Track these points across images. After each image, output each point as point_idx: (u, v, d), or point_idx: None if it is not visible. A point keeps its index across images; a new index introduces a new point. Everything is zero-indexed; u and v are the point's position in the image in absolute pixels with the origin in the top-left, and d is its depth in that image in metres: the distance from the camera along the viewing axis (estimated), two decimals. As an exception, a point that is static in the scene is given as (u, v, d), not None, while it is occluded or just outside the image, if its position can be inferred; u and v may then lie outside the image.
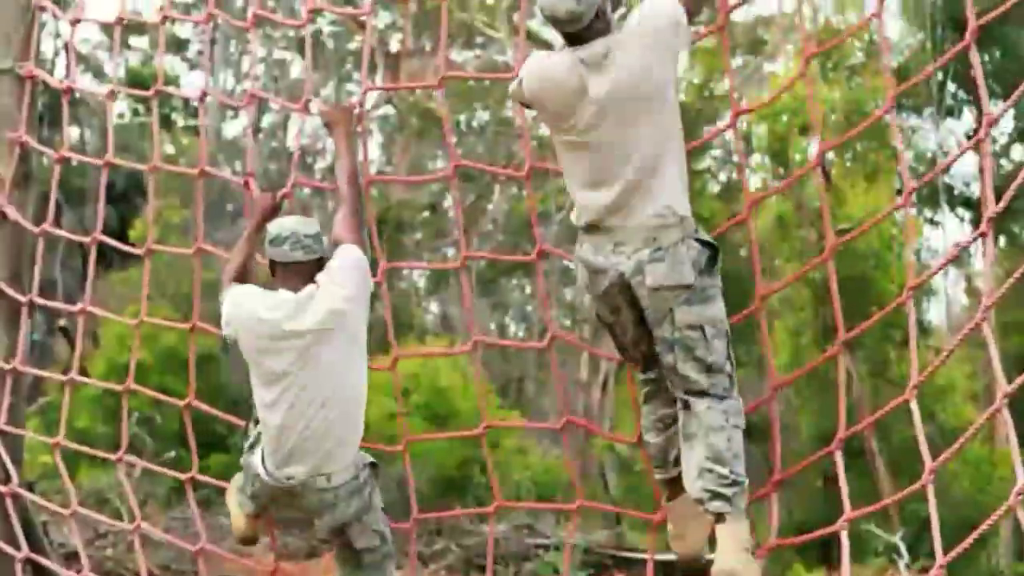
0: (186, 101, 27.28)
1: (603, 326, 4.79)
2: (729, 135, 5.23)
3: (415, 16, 25.12)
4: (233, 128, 29.04)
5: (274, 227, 4.90)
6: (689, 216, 4.52)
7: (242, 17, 6.54)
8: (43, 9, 6.82)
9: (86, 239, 6.77)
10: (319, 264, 4.84)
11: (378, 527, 5.04)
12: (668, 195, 4.47)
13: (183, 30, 29.36)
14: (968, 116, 24.70)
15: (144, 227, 24.40)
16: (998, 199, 4.01)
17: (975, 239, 4.15)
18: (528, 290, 29.12)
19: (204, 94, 6.64)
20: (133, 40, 27.82)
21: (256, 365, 4.84)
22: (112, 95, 7.07)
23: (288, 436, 4.79)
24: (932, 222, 25.14)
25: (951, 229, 25.45)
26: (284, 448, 4.81)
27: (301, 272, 4.82)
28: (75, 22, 7.15)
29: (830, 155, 24.00)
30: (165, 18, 7.01)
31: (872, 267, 19.50)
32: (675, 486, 4.73)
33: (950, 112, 24.42)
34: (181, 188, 18.83)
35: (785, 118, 21.54)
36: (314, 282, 4.79)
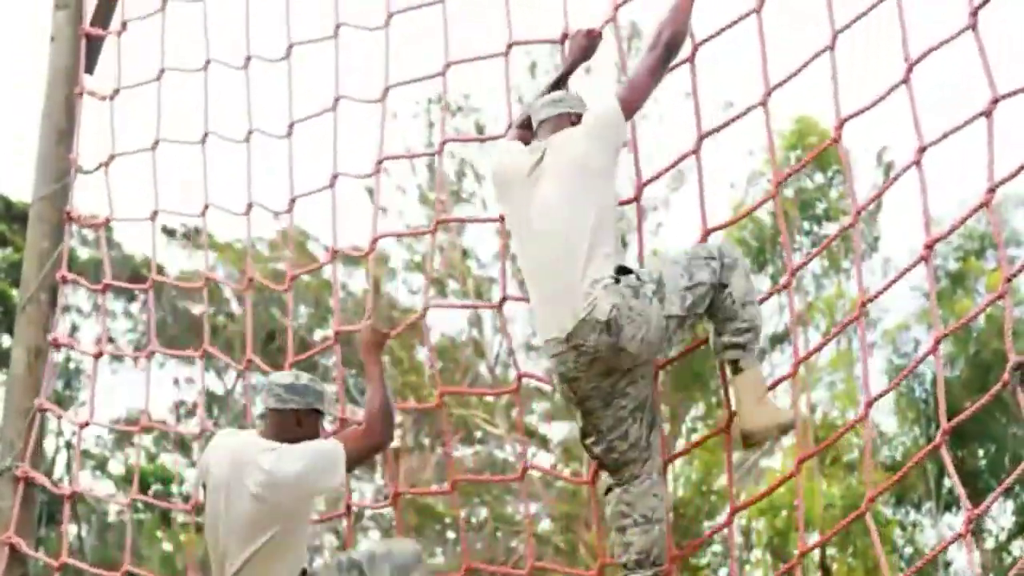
0: (186, 497, 27.24)
1: (590, 439, 4.86)
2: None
3: (413, 412, 25.42)
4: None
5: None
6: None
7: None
8: (44, 411, 6.92)
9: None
10: (296, 417, 4.87)
11: None
12: (599, 271, 4.66)
13: (187, 427, 29.60)
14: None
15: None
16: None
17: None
18: None
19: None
20: (137, 437, 27.99)
21: (213, 498, 4.91)
22: (130, 504, 7.19)
23: (230, 557, 4.81)
24: (939, 618, 24.70)
25: (957, 623, 24.99)
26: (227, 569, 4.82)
27: (272, 422, 4.90)
28: (83, 425, 7.27)
29: (831, 550, 23.92)
30: (204, 431, 7.18)
31: (881, 667, 19.03)
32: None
33: (948, 507, 24.41)
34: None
35: (784, 513, 21.53)
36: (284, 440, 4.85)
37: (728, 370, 4.86)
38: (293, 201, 6.76)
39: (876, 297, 4.98)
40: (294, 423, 4.87)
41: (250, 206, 6.91)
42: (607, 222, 4.73)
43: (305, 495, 4.81)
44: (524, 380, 6.06)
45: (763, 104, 5.26)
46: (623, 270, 4.68)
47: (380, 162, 6.50)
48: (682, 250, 4.92)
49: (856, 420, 4.88)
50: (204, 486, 4.99)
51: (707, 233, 5.36)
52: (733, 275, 4.78)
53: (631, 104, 4.88)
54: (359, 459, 4.91)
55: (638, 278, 4.65)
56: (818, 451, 5.31)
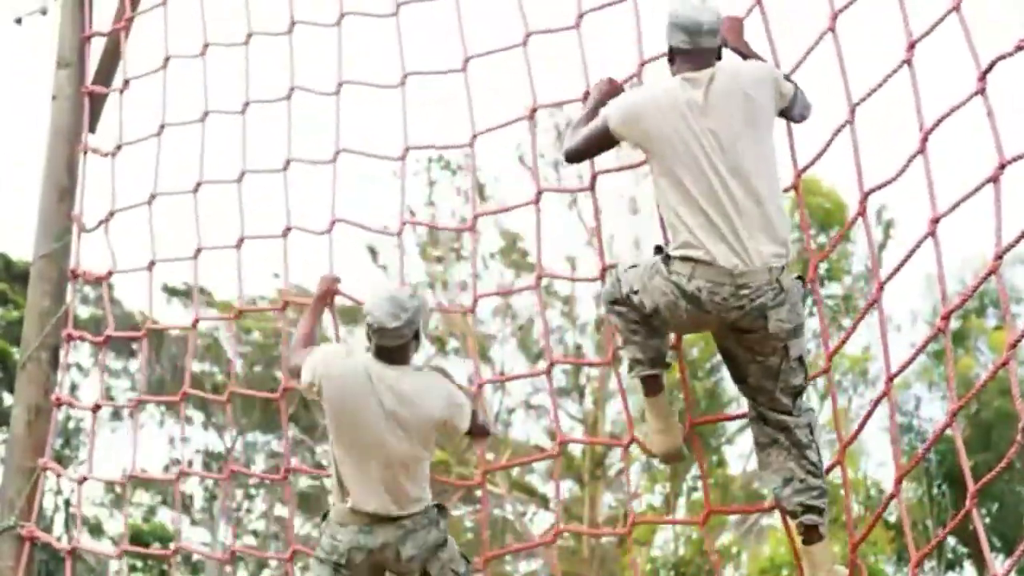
0: (186, 557, 27.09)
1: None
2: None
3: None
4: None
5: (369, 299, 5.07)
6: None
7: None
8: (46, 469, 6.91)
9: None
10: (413, 340, 5.04)
11: (456, 567, 5.12)
12: (782, 227, 4.57)
13: (186, 485, 29.52)
14: (969, 570, 24.52)
15: None
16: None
17: None
18: None
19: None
20: (135, 495, 27.89)
21: (338, 415, 5.01)
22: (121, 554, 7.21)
23: (367, 484, 4.97)
24: None
25: None
26: (364, 491, 4.97)
27: (392, 352, 5.02)
28: (81, 481, 7.26)
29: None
30: (182, 473, 7.21)
31: None
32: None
33: (951, 566, 24.28)
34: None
35: (785, 572, 21.39)
36: (407, 364, 5.05)
37: (800, 532, 4.78)
38: (288, 230, 6.78)
39: (901, 371, 4.87)
40: (413, 344, 5.07)
41: (241, 240, 6.93)
42: (780, 185, 4.71)
43: (441, 423, 5.03)
44: (525, 438, 6.06)
45: (795, 187, 5.24)
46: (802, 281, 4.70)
47: (404, 224, 6.51)
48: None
49: (889, 497, 4.84)
50: (324, 400, 5.11)
51: None
52: (816, 434, 4.76)
53: (791, 110, 4.80)
54: (475, 431, 5.17)
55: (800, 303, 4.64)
56: (865, 535, 5.22)
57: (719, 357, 5.50)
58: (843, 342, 5.64)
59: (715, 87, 4.59)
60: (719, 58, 4.77)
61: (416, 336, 5.04)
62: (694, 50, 4.71)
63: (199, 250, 7.10)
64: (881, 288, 4.89)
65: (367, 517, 4.98)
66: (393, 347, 5.00)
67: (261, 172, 6.96)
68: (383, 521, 4.98)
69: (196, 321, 7.49)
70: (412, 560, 5.01)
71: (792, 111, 4.79)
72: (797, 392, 4.69)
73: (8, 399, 22.49)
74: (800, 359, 4.65)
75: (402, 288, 5.14)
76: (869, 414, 5.26)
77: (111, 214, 7.27)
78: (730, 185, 4.50)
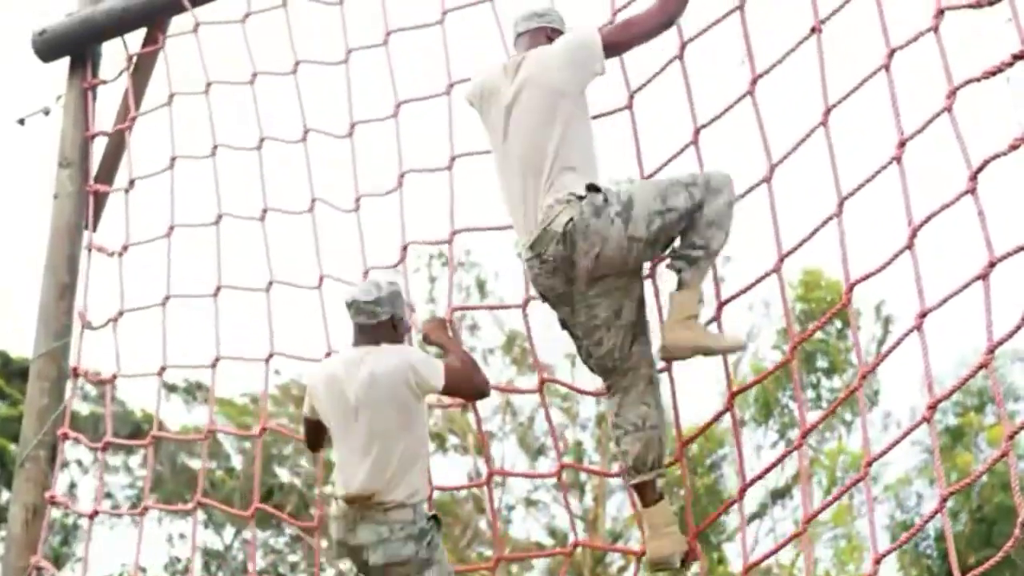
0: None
1: (572, 340, 5.07)
2: None
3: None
4: None
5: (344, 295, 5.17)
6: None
7: None
8: (39, 569, 6.87)
9: None
10: (390, 324, 5.06)
11: None
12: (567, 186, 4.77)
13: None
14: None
15: None
16: None
17: None
18: None
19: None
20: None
21: (329, 415, 5.03)
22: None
23: (352, 463, 4.88)
24: None
25: None
26: (348, 474, 4.90)
27: (367, 333, 5.02)
28: (78, 584, 7.24)
29: None
30: None
31: None
32: (650, 491, 5.02)
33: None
34: None
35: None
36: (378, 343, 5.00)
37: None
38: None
39: (880, 456, 4.90)
40: (390, 328, 5.07)
41: (271, 356, 6.87)
42: (574, 138, 4.85)
43: (407, 380, 4.90)
44: (525, 535, 6.01)
45: (776, 271, 5.23)
46: (592, 188, 4.75)
47: (408, 329, 6.49)
48: (668, 175, 5.05)
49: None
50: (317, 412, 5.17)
51: (733, 396, 5.36)
52: (714, 199, 4.82)
53: (615, 45, 4.98)
54: (455, 383, 5.04)
55: (605, 199, 4.72)
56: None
57: (719, 453, 5.49)
58: (821, 420, 5.68)
59: (522, 68, 4.96)
60: (550, 37, 5.09)
61: (394, 322, 5.06)
62: (518, 37, 5.19)
63: (217, 359, 7.00)
64: (863, 377, 4.92)
65: (351, 509, 4.89)
66: (367, 325, 5.03)
67: (288, 285, 6.97)
68: (366, 517, 4.86)
69: (210, 432, 7.45)
70: (379, 570, 4.86)
71: (612, 44, 4.98)
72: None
73: (5, 494, 22.36)
74: (653, 230, 4.74)
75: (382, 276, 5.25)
76: (844, 491, 5.34)
77: (120, 313, 7.23)
78: (514, 166, 4.89)
